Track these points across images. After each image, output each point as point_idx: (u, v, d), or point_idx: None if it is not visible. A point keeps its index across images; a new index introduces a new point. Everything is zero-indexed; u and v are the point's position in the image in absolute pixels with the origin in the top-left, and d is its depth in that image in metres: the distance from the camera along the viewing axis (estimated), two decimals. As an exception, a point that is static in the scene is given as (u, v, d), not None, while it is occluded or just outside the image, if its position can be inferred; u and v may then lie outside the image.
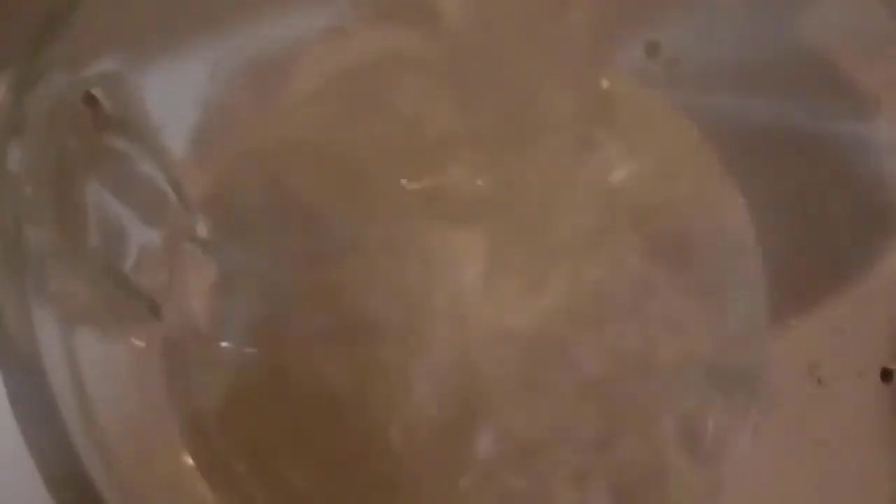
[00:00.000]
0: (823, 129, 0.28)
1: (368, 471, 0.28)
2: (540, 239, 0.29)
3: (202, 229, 0.29)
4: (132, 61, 0.26)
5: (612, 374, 0.28)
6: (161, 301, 0.28)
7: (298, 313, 0.28)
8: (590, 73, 0.30)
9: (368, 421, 0.28)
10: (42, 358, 0.22)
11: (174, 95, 0.28)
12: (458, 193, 0.29)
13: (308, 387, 0.28)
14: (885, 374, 0.26)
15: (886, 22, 0.25)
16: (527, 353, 0.28)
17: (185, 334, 0.28)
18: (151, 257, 0.27)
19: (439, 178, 0.29)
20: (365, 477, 0.28)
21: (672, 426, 0.28)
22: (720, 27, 0.29)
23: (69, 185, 0.25)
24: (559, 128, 0.30)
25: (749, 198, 0.29)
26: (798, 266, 0.28)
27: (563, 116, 0.30)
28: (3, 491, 0.21)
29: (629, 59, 0.30)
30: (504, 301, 0.29)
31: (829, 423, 0.27)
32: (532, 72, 0.29)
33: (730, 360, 0.29)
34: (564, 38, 0.29)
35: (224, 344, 0.28)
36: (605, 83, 0.30)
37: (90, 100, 0.25)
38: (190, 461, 0.27)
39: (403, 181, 0.29)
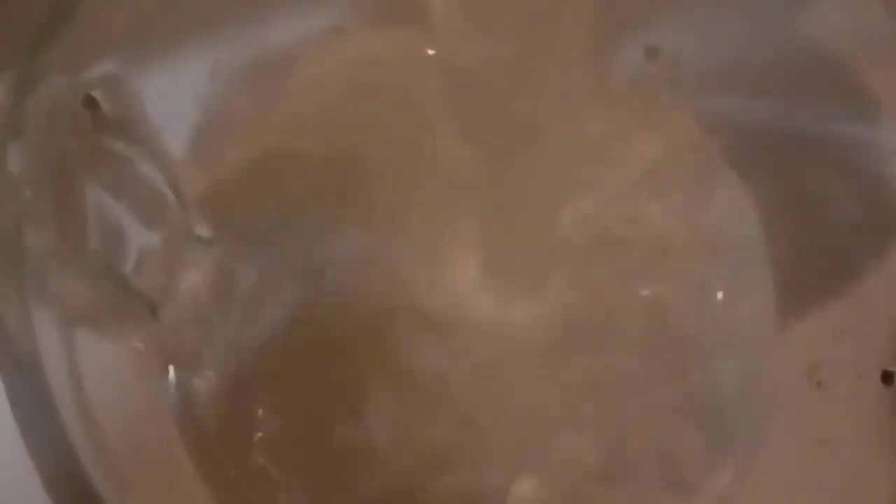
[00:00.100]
0: (824, 130, 0.28)
1: (367, 471, 0.28)
2: (540, 239, 0.29)
3: (202, 230, 0.29)
4: (132, 62, 0.26)
5: (613, 372, 0.28)
6: (161, 302, 0.28)
7: (298, 314, 0.28)
8: (589, 74, 0.30)
9: (368, 422, 0.28)
10: (41, 358, 0.22)
11: (174, 96, 0.28)
12: (458, 194, 0.29)
13: (308, 389, 0.28)
14: (886, 377, 0.26)
15: (886, 22, 0.25)
16: (528, 353, 0.28)
17: (184, 335, 0.28)
18: (151, 258, 0.27)
19: (439, 178, 0.29)
20: (363, 478, 0.28)
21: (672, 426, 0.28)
22: (720, 28, 0.29)
23: (69, 186, 0.25)
24: (559, 128, 0.30)
25: (750, 198, 0.29)
26: (798, 266, 0.28)
27: (563, 117, 0.30)
28: (2, 491, 0.21)
29: (629, 59, 0.30)
30: (504, 301, 0.29)
31: (829, 423, 0.27)
32: (531, 72, 0.29)
33: (731, 359, 0.29)
34: (564, 38, 0.29)
35: (224, 344, 0.28)
36: (604, 84, 0.30)
37: (90, 102, 0.25)
38: (189, 462, 0.27)
39: (403, 181, 0.29)
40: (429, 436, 0.28)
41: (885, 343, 0.26)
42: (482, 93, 0.29)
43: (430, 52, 0.30)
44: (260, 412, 0.28)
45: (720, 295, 0.29)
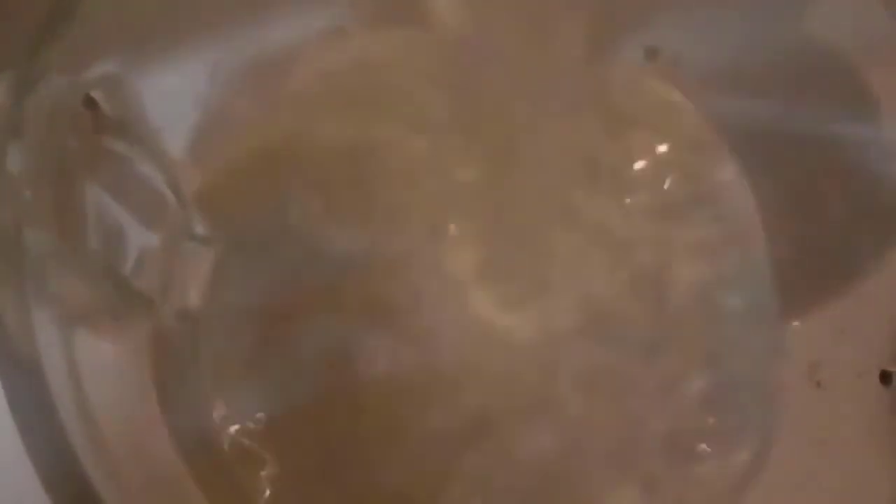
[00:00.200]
0: (824, 130, 0.28)
1: (364, 473, 0.28)
2: (540, 239, 0.29)
3: (201, 230, 0.29)
4: (132, 62, 0.26)
5: (615, 372, 0.28)
6: (160, 302, 0.28)
7: (298, 315, 0.28)
8: (589, 74, 0.30)
9: (367, 424, 0.28)
10: (41, 358, 0.22)
11: (174, 96, 0.28)
12: (458, 194, 0.29)
13: (307, 388, 0.28)
14: (885, 377, 0.26)
15: (887, 22, 0.25)
16: (527, 353, 0.28)
17: (183, 335, 0.28)
18: (151, 258, 0.27)
19: (439, 178, 0.29)
20: (362, 478, 0.28)
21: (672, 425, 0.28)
22: (720, 28, 0.29)
23: (69, 186, 0.25)
24: (559, 128, 0.30)
25: (750, 198, 0.29)
26: (798, 266, 0.28)
27: (563, 117, 0.30)
28: (2, 491, 0.21)
29: (629, 59, 0.30)
30: (504, 301, 0.29)
31: (829, 424, 0.27)
32: (531, 72, 0.29)
33: (731, 359, 0.29)
34: (564, 38, 0.29)
35: (223, 345, 0.28)
36: (604, 84, 0.30)
37: (90, 103, 0.25)
38: (188, 463, 0.27)
39: (402, 181, 0.29)
40: (427, 436, 0.28)
41: (885, 343, 0.26)
42: (482, 93, 0.29)
43: (430, 52, 0.30)
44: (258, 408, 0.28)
45: (720, 295, 0.29)
